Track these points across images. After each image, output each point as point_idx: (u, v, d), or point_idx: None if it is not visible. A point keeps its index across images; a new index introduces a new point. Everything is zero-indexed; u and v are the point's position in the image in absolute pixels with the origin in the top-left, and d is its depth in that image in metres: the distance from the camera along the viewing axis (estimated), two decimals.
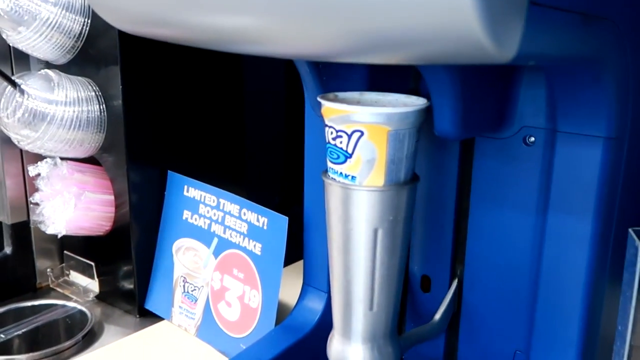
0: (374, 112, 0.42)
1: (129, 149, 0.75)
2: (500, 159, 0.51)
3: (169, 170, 0.78)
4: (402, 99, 0.48)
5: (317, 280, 0.62)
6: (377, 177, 0.44)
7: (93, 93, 0.76)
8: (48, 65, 0.79)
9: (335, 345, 0.49)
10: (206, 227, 0.73)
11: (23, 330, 0.75)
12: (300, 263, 0.65)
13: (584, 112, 0.44)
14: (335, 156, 0.45)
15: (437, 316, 0.54)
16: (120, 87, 0.73)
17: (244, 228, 0.69)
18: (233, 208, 0.70)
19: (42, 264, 0.86)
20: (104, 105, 0.76)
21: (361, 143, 0.43)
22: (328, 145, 0.45)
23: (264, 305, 0.66)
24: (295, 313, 0.62)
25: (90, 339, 0.74)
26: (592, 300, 0.47)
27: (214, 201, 0.72)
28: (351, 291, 0.47)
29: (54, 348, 0.70)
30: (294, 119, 0.63)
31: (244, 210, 0.69)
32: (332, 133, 0.44)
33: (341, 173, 0.45)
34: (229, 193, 0.71)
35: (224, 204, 0.71)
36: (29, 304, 0.80)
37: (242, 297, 0.69)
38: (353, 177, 0.44)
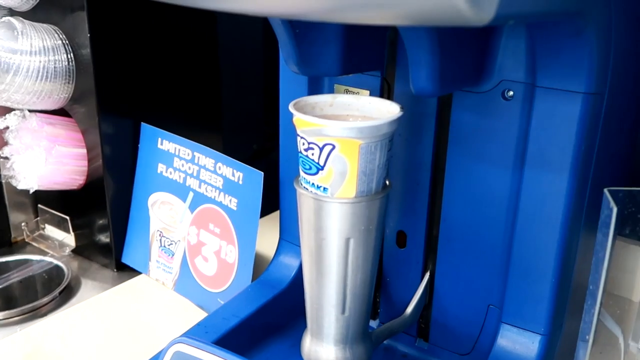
0: (346, 127, 0.42)
1: (99, 100, 0.73)
2: (478, 114, 0.49)
3: (142, 122, 0.76)
4: (376, 102, 0.47)
5: (293, 235, 0.62)
6: (349, 189, 0.44)
7: (60, 41, 0.73)
8: (11, 12, 0.76)
9: (308, 345, 0.50)
10: (181, 181, 0.72)
11: None
12: (278, 213, 0.65)
13: (564, 66, 0.43)
14: (308, 167, 0.44)
15: (409, 310, 0.55)
16: (88, 34, 0.70)
17: (220, 182, 0.67)
18: (208, 162, 0.68)
19: (17, 218, 0.85)
20: (71, 54, 0.73)
21: (333, 156, 0.43)
22: (300, 155, 0.45)
23: (241, 260, 0.66)
24: (272, 268, 0.62)
25: (67, 294, 0.74)
26: (565, 256, 0.47)
27: (188, 154, 0.71)
28: (323, 296, 0.47)
29: (30, 305, 0.70)
30: (273, 63, 0.61)
31: (219, 164, 0.67)
32: (304, 144, 0.44)
33: (313, 184, 0.44)
34: (204, 147, 0.69)
35: (198, 157, 0.70)
36: (4, 259, 0.79)
37: (218, 252, 0.68)
38: (325, 189, 0.44)
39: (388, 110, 0.46)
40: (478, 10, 0.27)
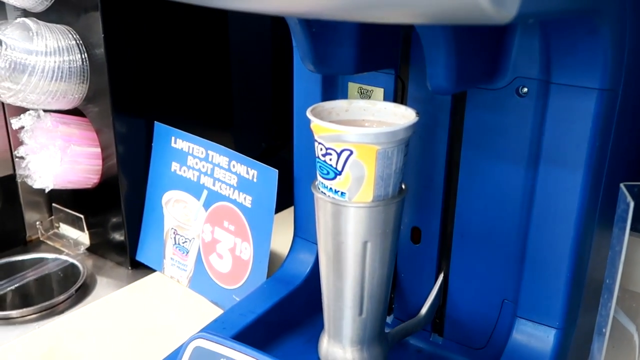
0: (363, 133, 0.42)
1: (113, 99, 0.73)
2: (492, 111, 0.50)
3: (155, 121, 0.76)
4: (391, 108, 0.48)
5: (307, 231, 0.62)
6: (366, 194, 0.44)
7: (74, 42, 0.74)
8: (25, 13, 0.76)
9: (325, 346, 0.51)
10: (195, 179, 0.73)
11: (16, 285, 0.75)
12: (290, 210, 0.65)
13: (579, 63, 0.43)
14: (325, 172, 0.45)
15: (423, 311, 0.55)
16: (102, 34, 0.71)
17: (234, 180, 0.68)
18: (222, 160, 0.69)
19: (31, 217, 0.86)
20: (85, 54, 0.74)
21: (350, 161, 0.43)
22: (318, 160, 0.45)
23: (255, 257, 0.67)
24: (287, 265, 0.63)
25: (83, 292, 0.74)
26: (580, 251, 0.47)
27: (202, 153, 0.72)
28: (341, 298, 0.48)
29: (47, 303, 0.71)
30: (282, 63, 0.61)
31: (233, 162, 0.68)
32: (321, 149, 0.44)
33: (331, 189, 0.45)
34: (217, 145, 0.70)
35: (212, 155, 0.70)
36: (19, 258, 0.80)
37: (233, 249, 0.69)
38: (343, 193, 0.45)
39: (403, 115, 0.47)
40: (500, 9, 0.27)
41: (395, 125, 0.44)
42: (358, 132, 0.43)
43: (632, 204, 0.37)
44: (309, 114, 0.45)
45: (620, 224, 0.39)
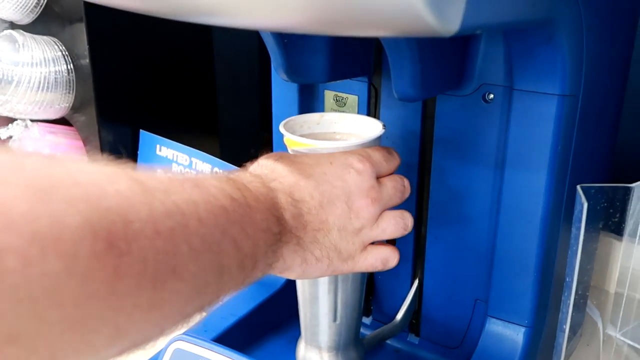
0: (332, 146, 0.44)
1: (99, 108, 0.75)
2: (460, 116, 0.51)
3: (140, 130, 0.78)
4: (361, 120, 0.49)
5: None
6: None
7: (59, 53, 0.76)
8: (12, 25, 0.78)
9: (301, 351, 0.52)
10: None
11: None
12: None
13: (539, 70, 0.45)
14: None
15: (399, 316, 0.57)
16: (87, 45, 0.73)
17: None
18: (205, 167, 0.71)
19: None
20: (71, 65, 0.76)
21: None
22: None
23: None
24: None
25: None
26: (546, 252, 0.49)
27: (186, 160, 0.73)
28: (315, 304, 0.49)
29: None
30: (268, 69, 0.63)
31: (216, 169, 0.70)
32: None
33: None
34: (200, 152, 0.72)
35: (196, 163, 0.72)
36: None
37: None
38: None
39: (373, 127, 0.48)
40: (444, 23, 0.29)
41: (363, 137, 0.46)
42: (327, 146, 0.44)
43: (585, 205, 0.39)
44: (281, 129, 0.47)
45: (577, 224, 0.41)
